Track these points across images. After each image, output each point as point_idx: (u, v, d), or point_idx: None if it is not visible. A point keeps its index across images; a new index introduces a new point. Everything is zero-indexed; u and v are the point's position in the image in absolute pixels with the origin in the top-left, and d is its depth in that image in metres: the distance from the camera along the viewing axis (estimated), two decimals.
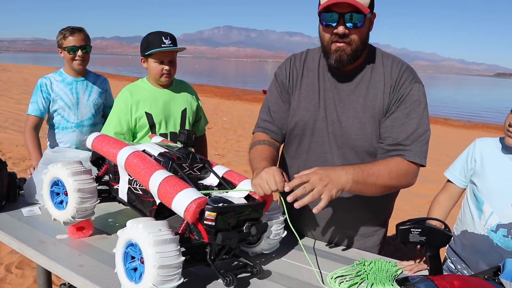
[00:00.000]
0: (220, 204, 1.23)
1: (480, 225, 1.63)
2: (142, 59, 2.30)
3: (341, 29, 1.46)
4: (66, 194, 1.55)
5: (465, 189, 1.76)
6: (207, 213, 1.19)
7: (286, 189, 1.32)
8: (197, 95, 2.55)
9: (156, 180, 1.28)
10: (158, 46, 2.18)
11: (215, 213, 1.19)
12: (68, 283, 2.56)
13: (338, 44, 1.50)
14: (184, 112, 2.37)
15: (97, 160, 1.74)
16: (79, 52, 2.64)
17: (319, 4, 1.50)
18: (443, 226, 1.35)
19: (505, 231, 1.56)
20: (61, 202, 1.59)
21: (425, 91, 1.58)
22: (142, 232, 1.14)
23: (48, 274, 2.28)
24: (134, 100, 2.23)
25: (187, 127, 2.39)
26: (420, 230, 1.29)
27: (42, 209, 1.88)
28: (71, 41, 2.62)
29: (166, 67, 2.23)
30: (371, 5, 1.49)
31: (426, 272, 1.41)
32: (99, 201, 1.59)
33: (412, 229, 1.29)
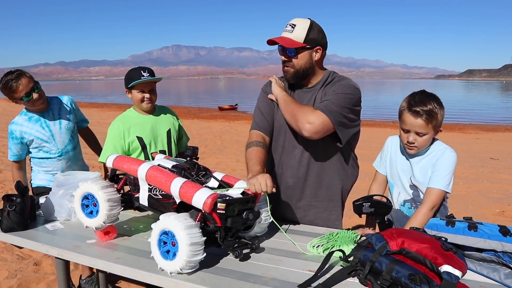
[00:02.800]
0: (227, 198, 1.68)
1: (395, 202, 2.17)
2: (126, 91, 2.66)
3: (282, 57, 2.12)
4: (95, 205, 1.94)
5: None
6: (219, 204, 1.64)
7: (273, 191, 1.83)
8: (177, 116, 2.96)
9: (177, 185, 1.71)
10: (138, 78, 2.56)
11: (225, 204, 1.65)
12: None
13: (285, 68, 2.15)
14: (168, 132, 2.77)
15: (113, 176, 2.13)
16: (34, 95, 2.77)
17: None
18: (385, 200, 1.88)
19: (409, 204, 2.11)
20: (91, 212, 1.97)
21: (355, 88, 2.11)
22: (174, 221, 1.57)
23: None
24: (126, 127, 2.60)
25: (172, 145, 2.78)
26: (369, 203, 1.81)
27: (63, 224, 2.24)
28: (20, 91, 2.72)
29: (147, 95, 2.61)
30: (310, 41, 2.06)
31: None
32: (122, 208, 1.99)
33: (363, 203, 1.81)
